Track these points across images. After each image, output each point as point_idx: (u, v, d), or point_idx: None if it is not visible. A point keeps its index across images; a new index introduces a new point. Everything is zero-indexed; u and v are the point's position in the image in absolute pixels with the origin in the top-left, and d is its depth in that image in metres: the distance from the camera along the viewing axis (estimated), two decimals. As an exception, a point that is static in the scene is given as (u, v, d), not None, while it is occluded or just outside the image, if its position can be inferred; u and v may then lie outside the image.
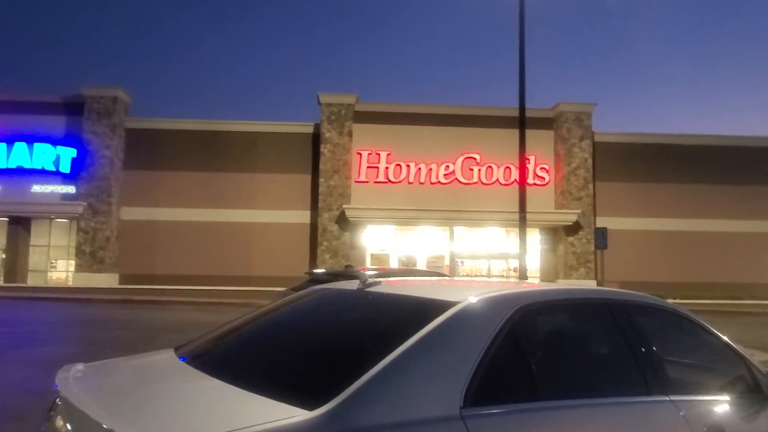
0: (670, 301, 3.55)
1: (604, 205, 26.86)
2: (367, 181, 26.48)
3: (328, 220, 25.89)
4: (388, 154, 26.49)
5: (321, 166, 26.13)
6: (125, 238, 26.04)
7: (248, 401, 1.87)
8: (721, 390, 2.85)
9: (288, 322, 2.83)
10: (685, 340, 3.19)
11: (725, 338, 3.10)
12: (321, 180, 26.06)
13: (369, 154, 26.51)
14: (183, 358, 2.49)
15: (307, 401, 1.78)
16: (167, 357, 2.58)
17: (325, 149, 26.22)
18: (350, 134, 26.39)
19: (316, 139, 26.82)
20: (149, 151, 26.30)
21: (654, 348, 2.77)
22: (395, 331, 2.15)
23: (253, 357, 2.46)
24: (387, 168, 26.54)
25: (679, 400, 2.53)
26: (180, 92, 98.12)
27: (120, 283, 25.51)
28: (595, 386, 2.46)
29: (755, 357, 4.66)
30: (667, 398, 2.50)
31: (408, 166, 26.56)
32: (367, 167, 26.54)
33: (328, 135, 26.27)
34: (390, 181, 26.50)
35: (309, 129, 27.29)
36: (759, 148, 28.15)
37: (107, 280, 25.06)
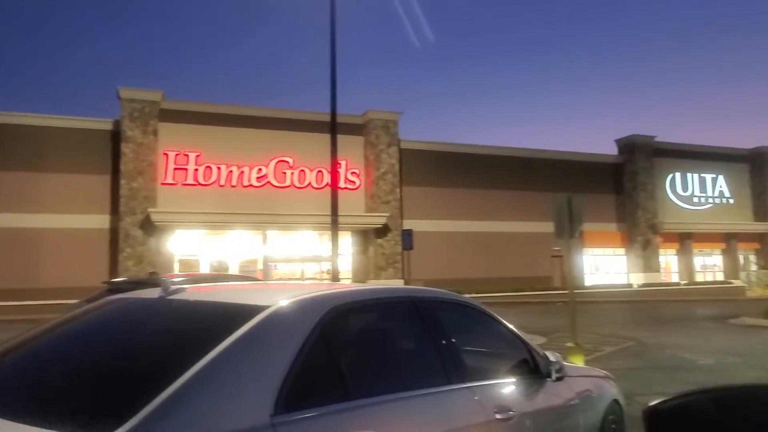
0: (466, 295, 3.88)
1: (410, 208, 28.59)
2: (174, 184, 24.93)
3: (132, 225, 23.84)
4: (198, 156, 25.25)
5: (122, 167, 23.97)
6: None
7: None
8: (508, 373, 3.20)
9: (75, 338, 2.50)
10: (479, 330, 3.51)
11: (511, 326, 3.48)
12: (123, 182, 23.90)
13: (177, 155, 25.00)
14: None
15: (101, 426, 1.59)
16: None
17: (126, 149, 24.11)
18: (155, 133, 24.61)
19: (116, 137, 24.55)
20: None
21: (453, 340, 3.00)
22: (200, 341, 2.03)
23: (29, 383, 2.12)
24: (196, 170, 25.27)
25: (474, 386, 2.77)
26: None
27: None
28: (403, 381, 2.58)
29: (535, 341, 5.30)
30: (464, 385, 2.72)
31: (219, 168, 25.59)
32: (175, 169, 25.00)
33: (130, 133, 24.20)
34: (200, 183, 25.28)
35: (107, 126, 24.89)
36: (534, 159, 32.29)
37: None
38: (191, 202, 24.50)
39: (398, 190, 28.44)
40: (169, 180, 24.84)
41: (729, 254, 37.50)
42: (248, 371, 1.95)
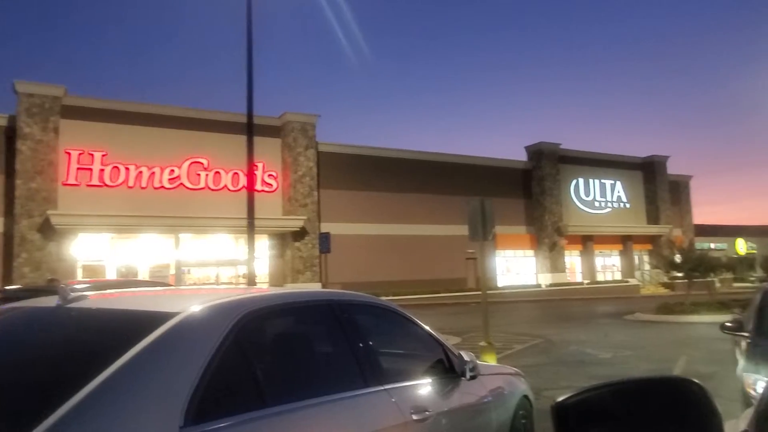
0: (383, 298, 3.91)
1: (328, 211, 28.49)
2: (78, 184, 23.45)
3: (29, 228, 22.17)
4: (104, 155, 23.91)
5: (18, 166, 22.25)
6: None
7: None
8: (424, 374, 3.25)
9: None
10: (396, 332, 3.55)
11: (427, 328, 3.54)
12: (18, 182, 22.18)
13: (80, 154, 23.53)
14: None
15: None
16: None
17: (23, 146, 22.41)
18: (56, 131, 23.04)
19: (10, 133, 22.77)
20: None
21: (370, 342, 3.01)
22: (102, 352, 1.91)
23: None
24: (102, 170, 23.91)
25: (391, 388, 2.79)
26: None
27: None
28: (320, 385, 2.56)
29: (450, 341, 5.42)
30: (381, 387, 2.73)
31: (128, 168, 24.35)
32: (78, 169, 23.52)
33: (27, 130, 22.52)
34: (106, 184, 23.94)
35: (0, 121, 23.04)
36: (449, 164, 33.13)
37: None
38: (96, 203, 23.14)
39: (316, 193, 28.26)
40: (72, 180, 23.35)
41: (626, 255, 40.18)
42: (155, 382, 1.85)
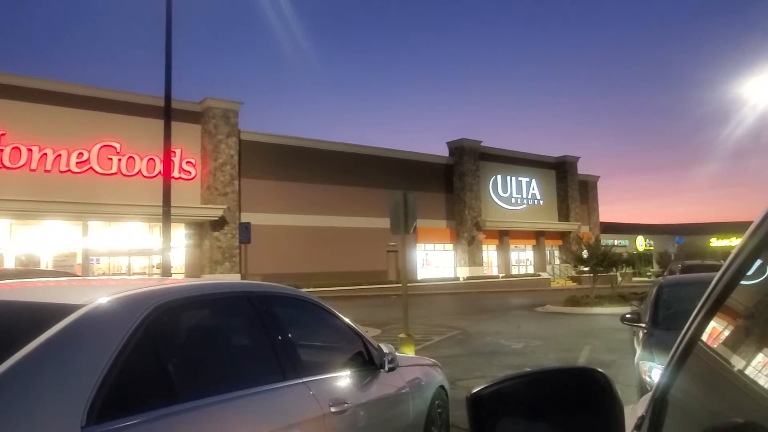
0: (304, 290, 3.87)
1: (249, 201, 27.88)
2: (-29, 165, 21.64)
3: None
4: (2, 135, 22.17)
5: None
6: None
7: None
8: (343, 366, 3.25)
9: None
10: (316, 324, 3.53)
11: (347, 320, 3.55)
12: None
13: (-25, 132, 21.71)
14: None
15: None
16: None
17: None
18: (-53, 105, 21.14)
19: None
20: None
21: (289, 335, 2.97)
22: None
23: None
24: (1, 150, 22.18)
25: (310, 380, 2.77)
26: None
27: None
28: (236, 379, 2.50)
29: (369, 333, 5.46)
30: (300, 380, 2.71)
31: (30, 150, 22.71)
32: (-28, 148, 21.70)
33: None
34: (5, 166, 22.23)
35: None
36: (373, 156, 33.31)
37: None
38: (-7, 187, 21.45)
39: (237, 182, 27.56)
40: (-35, 161, 21.52)
41: (538, 250, 42.06)
42: (55, 380, 1.74)
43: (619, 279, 22.87)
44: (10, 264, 22.20)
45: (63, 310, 1.96)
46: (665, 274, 17.87)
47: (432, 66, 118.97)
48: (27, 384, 1.67)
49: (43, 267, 21.62)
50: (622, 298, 18.84)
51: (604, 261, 20.84)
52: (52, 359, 1.77)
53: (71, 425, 1.67)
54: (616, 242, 42.74)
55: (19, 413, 1.62)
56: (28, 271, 15.81)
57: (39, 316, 1.94)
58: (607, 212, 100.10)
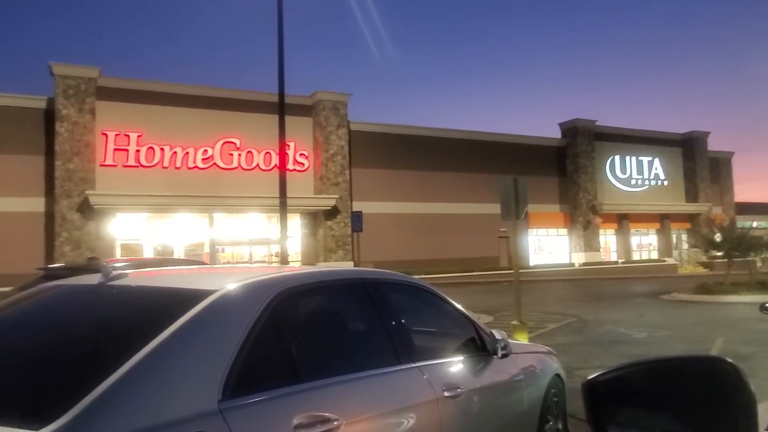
0: (416, 276, 3.93)
1: (359, 190, 28.54)
2: (115, 165, 24.00)
3: (68, 209, 22.85)
4: (140, 136, 24.37)
5: (57, 148, 22.86)
6: None
7: None
8: (455, 352, 3.27)
9: (7, 328, 2.38)
10: (428, 310, 3.57)
11: (459, 306, 3.55)
12: (58, 163, 22.81)
13: (117, 135, 24.03)
14: None
15: (35, 421, 1.53)
16: None
17: (61, 128, 22.97)
18: (93, 112, 23.54)
19: (49, 116, 23.36)
20: None
21: (402, 320, 3.03)
22: (143, 328, 1.98)
23: None
24: (138, 151, 24.40)
25: (423, 365, 2.82)
26: None
27: None
28: (353, 361, 2.60)
29: (481, 320, 5.43)
30: (413, 365, 2.76)
31: (162, 149, 24.79)
32: (115, 150, 24.05)
33: (65, 112, 23.06)
34: (142, 165, 24.44)
35: (40, 104, 23.61)
36: (481, 142, 32.73)
37: None
38: (133, 184, 23.68)
39: (347, 171, 28.32)
40: (109, 161, 23.90)
41: (663, 234, 39.29)
42: (194, 358, 1.91)
43: (759, 264, 20.78)
44: (148, 253, 24.47)
45: (199, 296, 2.14)
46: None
47: (544, 48, 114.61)
48: (172, 361, 1.85)
49: (176, 256, 23.58)
50: (763, 286, 17.17)
51: (740, 245, 19.11)
52: (192, 339, 1.95)
53: (209, 400, 1.83)
54: (755, 224, 38.89)
55: (167, 387, 1.79)
56: (166, 260, 17.35)
57: (178, 300, 2.13)
58: (744, 191, 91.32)
